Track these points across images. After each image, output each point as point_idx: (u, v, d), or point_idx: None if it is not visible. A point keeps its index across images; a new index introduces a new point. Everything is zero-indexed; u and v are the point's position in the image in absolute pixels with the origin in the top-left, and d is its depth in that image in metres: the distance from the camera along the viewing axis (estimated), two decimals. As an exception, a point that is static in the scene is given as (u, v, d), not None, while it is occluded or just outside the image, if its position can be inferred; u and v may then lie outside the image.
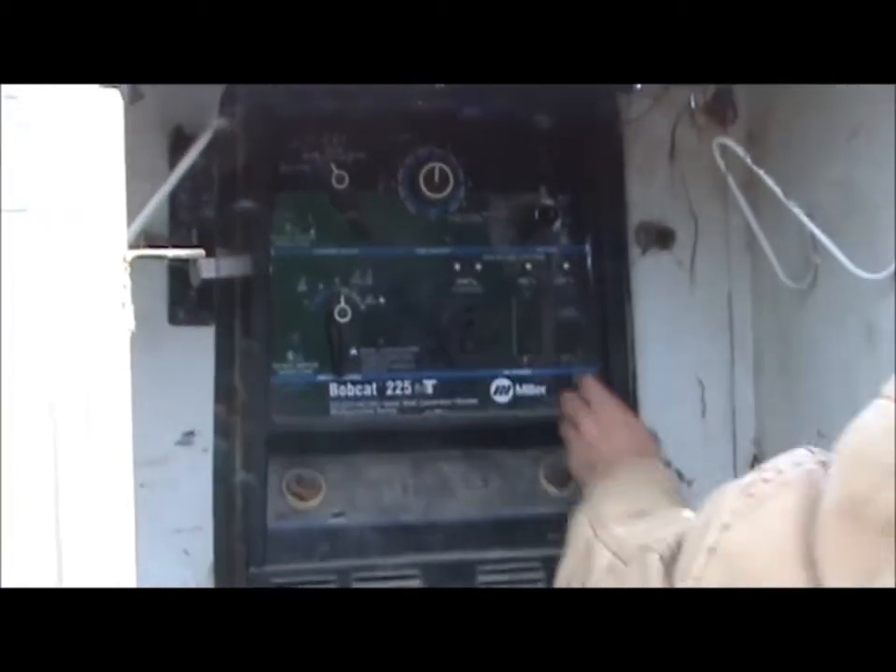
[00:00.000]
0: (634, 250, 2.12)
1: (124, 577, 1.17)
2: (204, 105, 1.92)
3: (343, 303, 1.96)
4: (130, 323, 1.20)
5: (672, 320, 2.13)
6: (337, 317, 1.95)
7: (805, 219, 1.77)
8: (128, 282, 1.18)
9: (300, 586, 1.89)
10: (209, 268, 1.84)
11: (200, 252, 1.31)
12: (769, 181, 1.78)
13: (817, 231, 1.77)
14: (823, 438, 1.93)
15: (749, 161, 1.83)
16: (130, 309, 1.20)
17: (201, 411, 1.97)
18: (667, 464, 2.11)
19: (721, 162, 1.86)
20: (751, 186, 1.99)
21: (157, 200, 1.62)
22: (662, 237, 2.12)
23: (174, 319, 1.96)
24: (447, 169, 2.00)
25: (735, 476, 2.13)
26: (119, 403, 1.19)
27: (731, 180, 1.88)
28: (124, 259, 1.16)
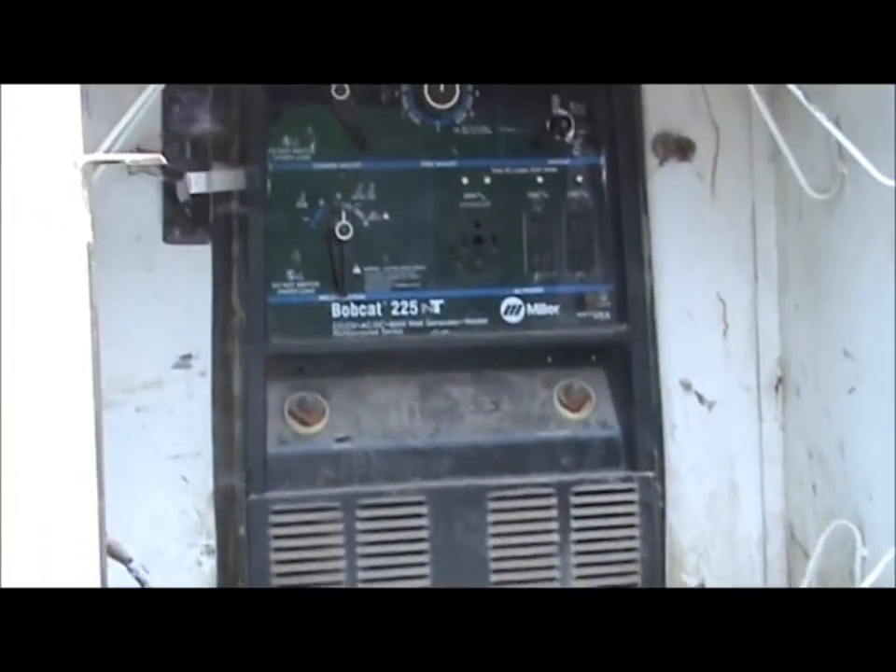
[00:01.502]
0: (651, 162, 2.01)
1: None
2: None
3: (344, 220, 1.88)
4: (87, 234, 1.11)
5: (692, 235, 2.03)
6: (338, 234, 1.87)
7: (827, 124, 1.67)
8: (83, 190, 1.09)
9: (301, 514, 1.84)
10: (199, 182, 1.76)
11: (158, 158, 1.22)
12: (791, 85, 1.67)
13: (841, 137, 1.67)
14: (849, 357, 1.85)
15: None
16: (87, 219, 1.11)
17: (198, 333, 1.89)
18: (687, 386, 2.03)
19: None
20: (776, 92, 1.89)
21: (137, 109, 1.53)
22: (681, 148, 2.01)
23: (168, 238, 1.88)
24: (453, 77, 1.91)
25: (759, 399, 2.06)
26: (78, 317, 1.11)
27: (752, 86, 1.77)
28: (75, 165, 1.07)
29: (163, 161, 1.25)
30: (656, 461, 1.97)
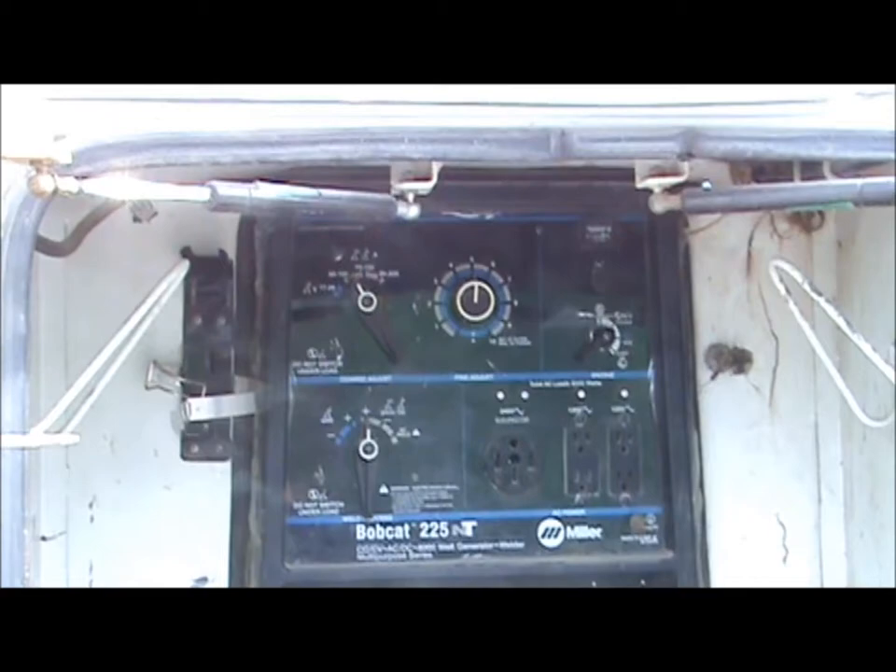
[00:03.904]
0: (703, 374, 1.88)
1: None
2: (219, 224, 1.78)
3: (368, 438, 1.78)
4: None
5: (748, 453, 1.89)
6: (362, 454, 1.78)
7: (872, 355, 1.53)
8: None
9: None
10: (201, 409, 1.68)
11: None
12: (832, 311, 1.55)
13: (883, 367, 1.52)
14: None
15: (807, 287, 1.59)
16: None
17: (215, 555, 1.80)
18: (743, 617, 1.87)
19: (780, 287, 1.62)
20: (842, 300, 1.76)
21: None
22: (737, 360, 1.88)
23: (187, 454, 1.80)
24: (488, 288, 1.81)
25: (824, 632, 1.89)
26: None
27: (793, 307, 1.64)
28: None
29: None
30: (706, 702, 1.81)
